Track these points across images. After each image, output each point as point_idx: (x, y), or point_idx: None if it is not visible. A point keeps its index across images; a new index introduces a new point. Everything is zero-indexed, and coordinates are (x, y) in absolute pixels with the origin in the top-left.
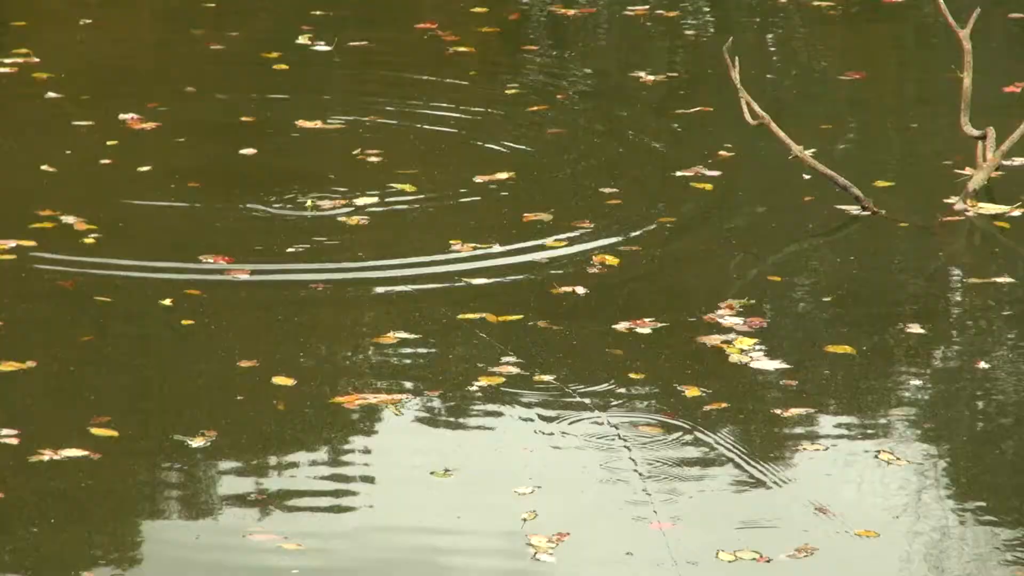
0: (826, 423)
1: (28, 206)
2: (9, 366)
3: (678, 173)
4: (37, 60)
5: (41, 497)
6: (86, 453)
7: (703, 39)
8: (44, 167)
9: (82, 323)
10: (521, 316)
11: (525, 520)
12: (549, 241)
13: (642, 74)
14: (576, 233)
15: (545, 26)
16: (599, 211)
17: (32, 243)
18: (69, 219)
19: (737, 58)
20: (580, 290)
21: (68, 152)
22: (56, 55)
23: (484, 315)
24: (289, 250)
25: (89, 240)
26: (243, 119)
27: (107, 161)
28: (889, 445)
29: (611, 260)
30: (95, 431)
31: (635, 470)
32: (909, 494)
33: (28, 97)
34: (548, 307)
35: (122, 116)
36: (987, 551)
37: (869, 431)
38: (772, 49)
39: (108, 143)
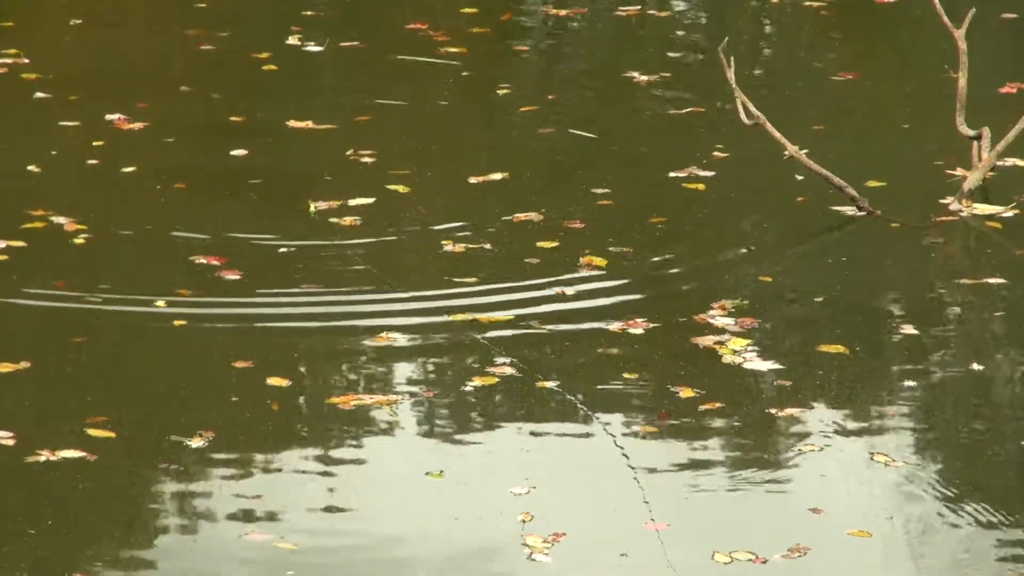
0: (820, 423)
1: (16, 207)
2: (4, 367)
3: (671, 174)
4: (27, 61)
5: (37, 499)
6: (83, 454)
7: (696, 40)
8: (31, 168)
9: (74, 324)
10: (512, 317)
11: (526, 522)
12: (539, 242)
13: (635, 74)
14: (565, 233)
15: (536, 26)
16: (590, 211)
17: (22, 244)
18: (59, 220)
19: (732, 58)
20: (567, 290)
21: (54, 152)
22: (46, 55)
23: (476, 316)
24: (281, 250)
25: (79, 241)
26: (234, 120)
27: (94, 161)
28: (883, 446)
29: (598, 261)
30: (92, 432)
31: (634, 477)
32: (902, 495)
33: (16, 98)
34: (540, 307)
35: (111, 116)
36: (981, 552)
37: (863, 432)
38: (765, 50)
39: (97, 143)
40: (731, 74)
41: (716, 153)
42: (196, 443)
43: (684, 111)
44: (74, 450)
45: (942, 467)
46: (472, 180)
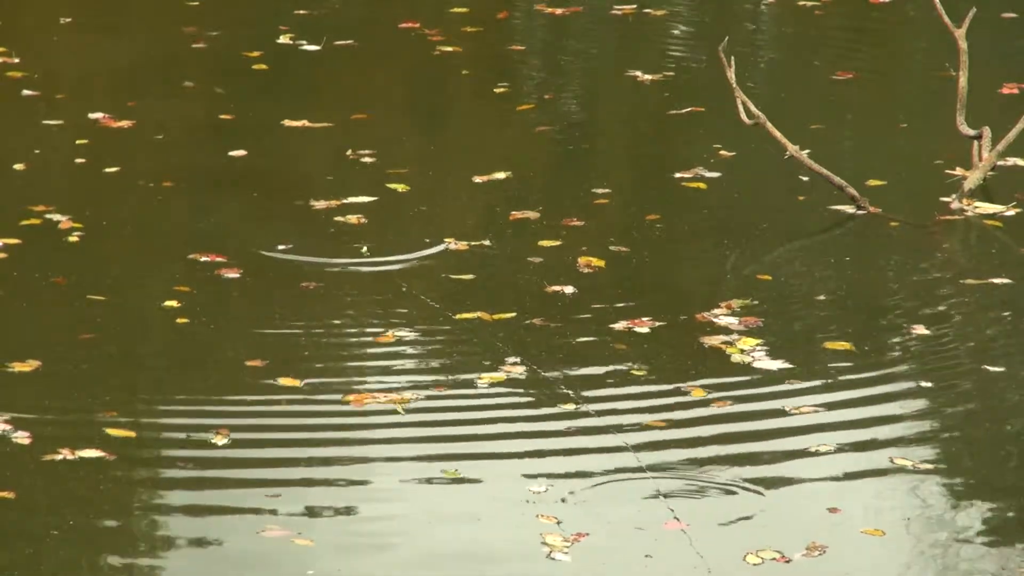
0: (833, 423)
1: (8, 205)
2: (15, 367)
3: (670, 173)
4: (16, 60)
5: (58, 499)
6: (102, 454)
7: (692, 39)
8: (17, 166)
9: (79, 322)
10: (515, 315)
11: (559, 523)
12: (540, 241)
13: (638, 73)
14: (567, 232)
15: (532, 25)
16: (589, 210)
17: (17, 241)
18: (54, 217)
19: (733, 58)
20: (568, 289)
21: (37, 151)
22: (34, 54)
23: (479, 314)
24: (280, 247)
25: (73, 239)
26: (226, 118)
27: (81, 160)
28: (896, 445)
29: (596, 262)
30: (110, 431)
31: (652, 478)
32: (916, 494)
33: (4, 97)
34: (542, 306)
35: (99, 115)
36: (993, 550)
37: (876, 431)
38: (763, 49)
39: (84, 141)
40: (731, 74)
41: (716, 152)
42: (218, 440)
43: (684, 110)
44: (94, 449)
45: (955, 466)
46: (472, 179)
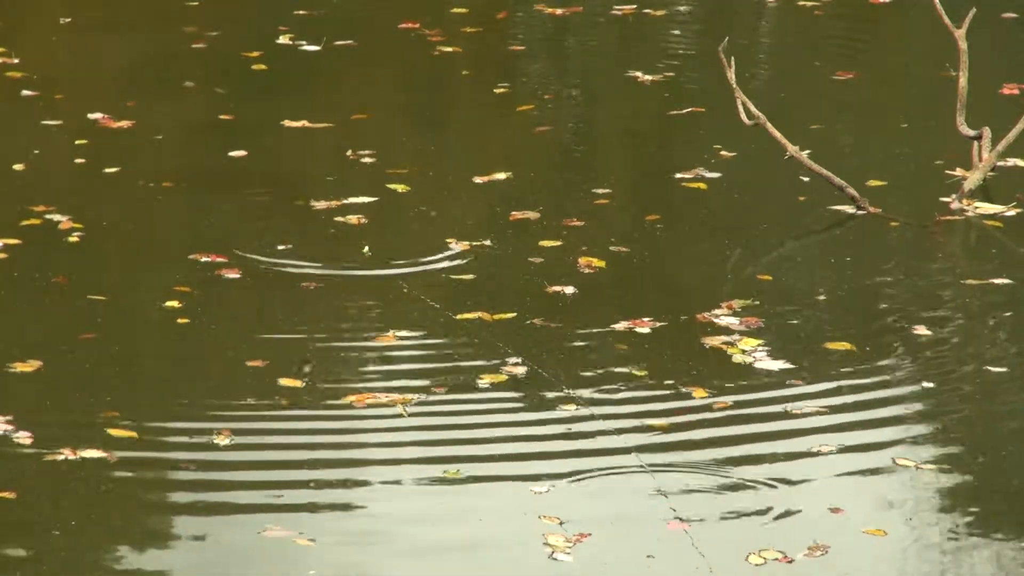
0: (833, 423)
1: (8, 205)
2: (16, 367)
3: (671, 173)
4: (16, 60)
5: (60, 499)
6: (104, 454)
7: (692, 39)
8: (16, 166)
9: (80, 322)
10: (515, 315)
11: (561, 523)
12: (541, 241)
13: (638, 73)
14: (567, 232)
15: (532, 25)
16: (589, 210)
17: (17, 241)
18: (55, 218)
19: (733, 58)
20: (569, 290)
21: (37, 151)
22: (34, 54)
23: (480, 314)
24: (280, 248)
25: (74, 239)
26: (230, 119)
27: (81, 160)
28: (897, 446)
29: (597, 262)
30: (112, 432)
31: (653, 478)
32: (919, 494)
33: (2, 97)
34: (542, 306)
35: (99, 115)
36: (997, 551)
37: (876, 432)
38: (763, 50)
39: (83, 142)
40: (731, 74)
41: (716, 153)
42: (221, 441)
43: (685, 111)
44: (95, 449)
45: (956, 466)
46: (472, 179)
